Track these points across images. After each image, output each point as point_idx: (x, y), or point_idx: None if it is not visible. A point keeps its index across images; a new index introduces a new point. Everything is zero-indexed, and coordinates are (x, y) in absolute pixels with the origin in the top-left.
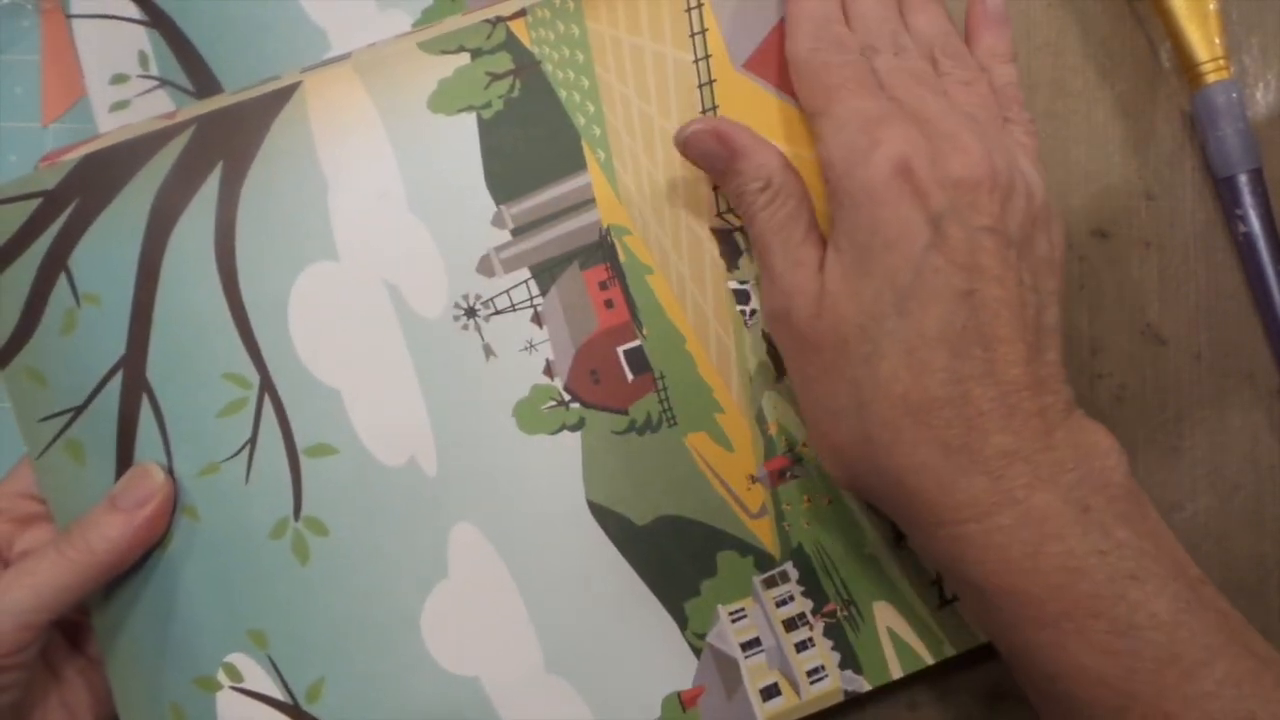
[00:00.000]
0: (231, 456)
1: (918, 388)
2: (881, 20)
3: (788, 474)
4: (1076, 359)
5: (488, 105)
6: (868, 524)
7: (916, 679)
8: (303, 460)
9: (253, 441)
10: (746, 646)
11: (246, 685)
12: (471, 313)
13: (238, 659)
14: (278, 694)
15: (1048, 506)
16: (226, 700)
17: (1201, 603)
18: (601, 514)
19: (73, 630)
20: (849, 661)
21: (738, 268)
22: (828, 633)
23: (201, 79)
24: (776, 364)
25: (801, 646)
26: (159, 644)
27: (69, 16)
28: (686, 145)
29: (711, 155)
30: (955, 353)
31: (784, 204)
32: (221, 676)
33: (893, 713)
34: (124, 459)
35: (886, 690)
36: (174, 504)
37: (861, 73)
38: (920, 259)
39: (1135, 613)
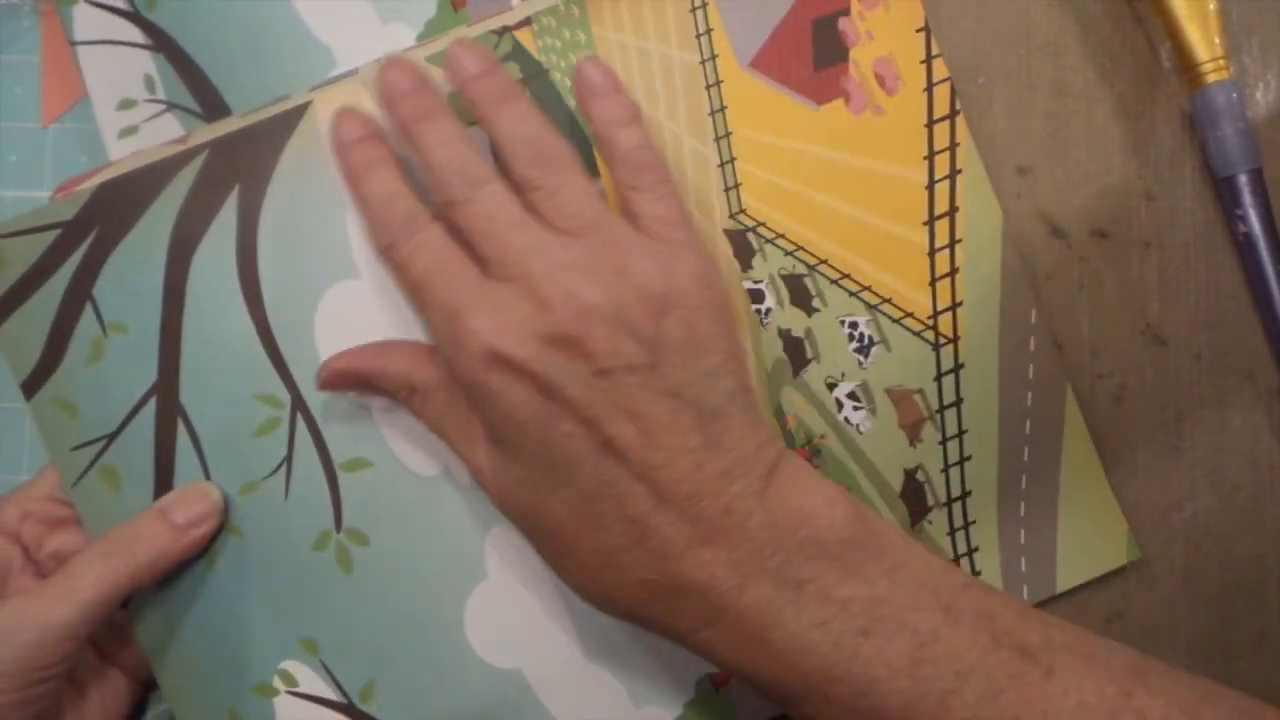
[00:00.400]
0: (270, 475)
1: (602, 544)
2: (449, 161)
3: None
4: (1077, 359)
5: None
6: (885, 509)
7: None
8: (340, 475)
9: (289, 459)
10: None
11: (302, 689)
12: None
13: (292, 665)
14: (333, 696)
15: (760, 599)
16: (284, 704)
17: (953, 620)
18: None
19: (102, 639)
20: None
21: (752, 268)
22: None
23: (208, 101)
24: (792, 360)
25: None
26: (213, 657)
27: (73, 44)
28: (327, 387)
29: (353, 387)
30: (620, 501)
31: (434, 397)
32: (278, 683)
33: None
34: (162, 483)
35: None
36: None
37: (440, 252)
38: (549, 432)
39: (870, 668)
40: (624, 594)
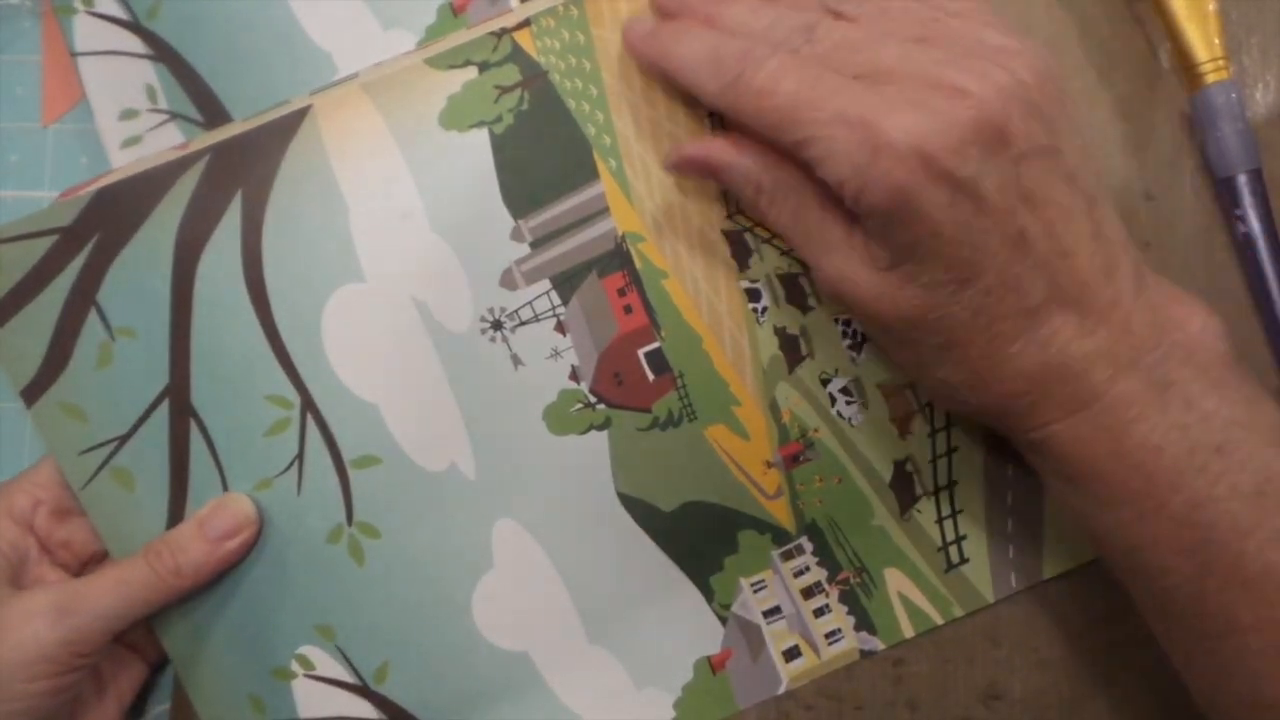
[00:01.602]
0: (282, 472)
1: (994, 337)
2: (781, 14)
3: (801, 458)
4: None
5: (498, 120)
6: (875, 499)
7: (917, 679)
8: (350, 471)
9: (300, 457)
10: (768, 614)
11: (319, 672)
12: (498, 325)
13: (309, 650)
14: (349, 678)
15: (1129, 393)
16: (302, 686)
17: None
18: (631, 503)
19: None
20: (864, 624)
21: (748, 267)
22: (843, 598)
23: (210, 110)
24: (787, 357)
25: (819, 612)
26: (231, 645)
27: (74, 55)
28: (675, 171)
29: (699, 175)
30: (1020, 293)
31: (785, 199)
32: (295, 666)
33: (892, 713)
34: (177, 482)
35: (886, 690)
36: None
37: (806, 68)
38: (968, 232)
39: (1215, 485)
40: (1004, 384)
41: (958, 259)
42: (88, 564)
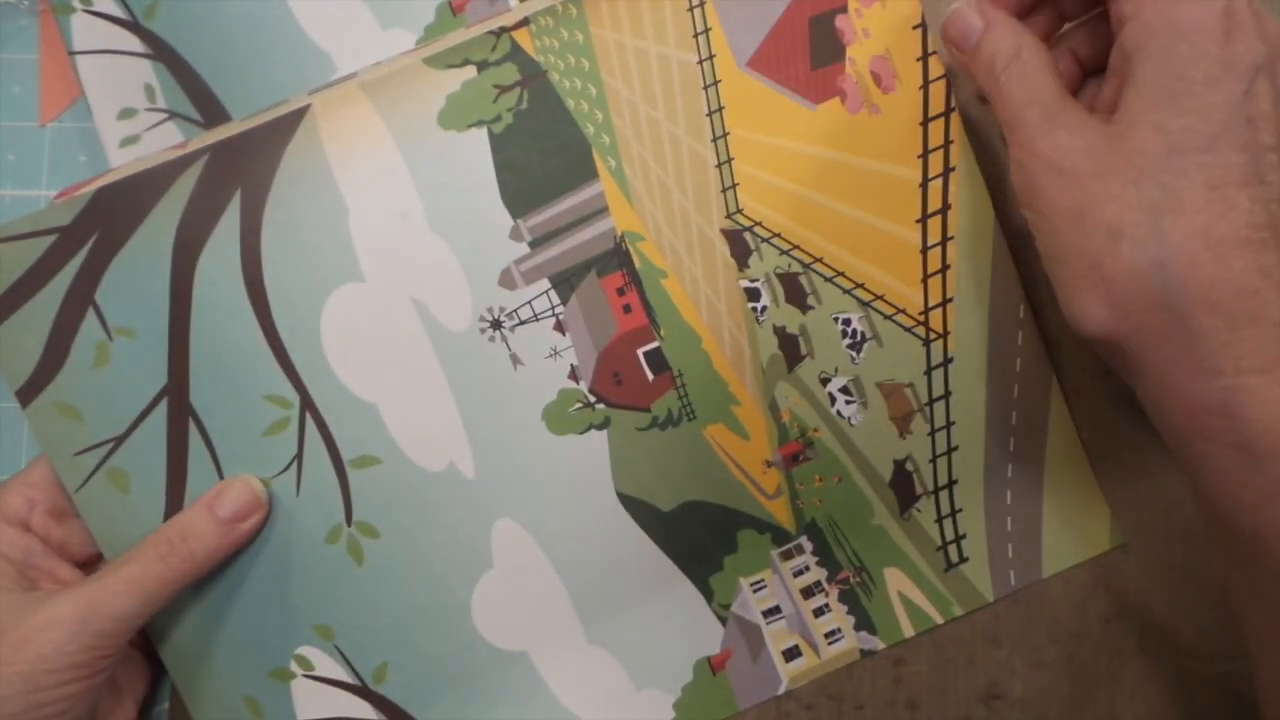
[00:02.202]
0: (281, 472)
1: (1222, 223)
2: None
3: (800, 457)
4: (1076, 359)
5: (497, 119)
6: (874, 498)
7: (917, 679)
8: (349, 471)
9: (299, 457)
10: (768, 614)
11: (318, 673)
12: (497, 324)
13: (308, 651)
14: (347, 678)
15: None
16: (300, 687)
17: None
18: (630, 503)
19: None
20: (863, 623)
21: (748, 267)
22: (842, 598)
23: (209, 109)
24: (787, 357)
25: (819, 611)
26: (228, 646)
27: (72, 54)
28: (949, 24)
29: (967, 30)
30: (1257, 200)
31: (1035, 64)
32: (294, 667)
33: (892, 713)
34: (175, 483)
35: (886, 690)
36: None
37: None
38: (1237, 105)
39: None
40: (1206, 288)
41: (1218, 118)
42: (87, 564)
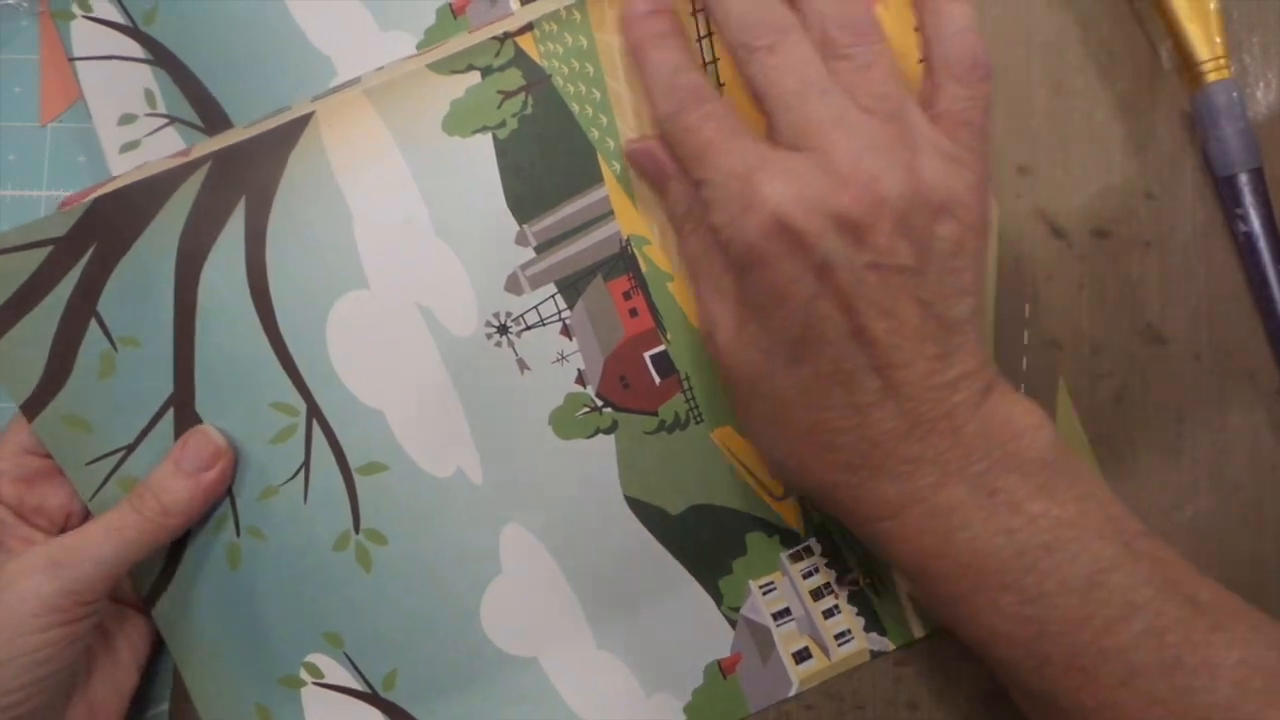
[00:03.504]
0: (288, 480)
1: (819, 423)
2: (751, 6)
3: None
4: (1077, 358)
5: (502, 125)
6: None
7: (917, 679)
8: (356, 478)
9: (306, 464)
10: (777, 616)
11: (328, 680)
12: (503, 330)
13: (317, 658)
14: (357, 685)
15: (954, 499)
16: (311, 694)
17: (1132, 557)
18: (638, 507)
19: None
20: (873, 625)
21: None
22: (852, 599)
23: (210, 114)
24: None
25: (828, 613)
26: (238, 653)
27: (72, 60)
28: (630, 158)
29: (648, 172)
30: (851, 387)
31: (701, 234)
32: (304, 674)
33: (892, 712)
34: None
35: (887, 690)
36: (235, 463)
37: (729, 120)
38: (808, 310)
39: (1045, 581)
40: (823, 473)
41: (794, 332)
42: (65, 528)
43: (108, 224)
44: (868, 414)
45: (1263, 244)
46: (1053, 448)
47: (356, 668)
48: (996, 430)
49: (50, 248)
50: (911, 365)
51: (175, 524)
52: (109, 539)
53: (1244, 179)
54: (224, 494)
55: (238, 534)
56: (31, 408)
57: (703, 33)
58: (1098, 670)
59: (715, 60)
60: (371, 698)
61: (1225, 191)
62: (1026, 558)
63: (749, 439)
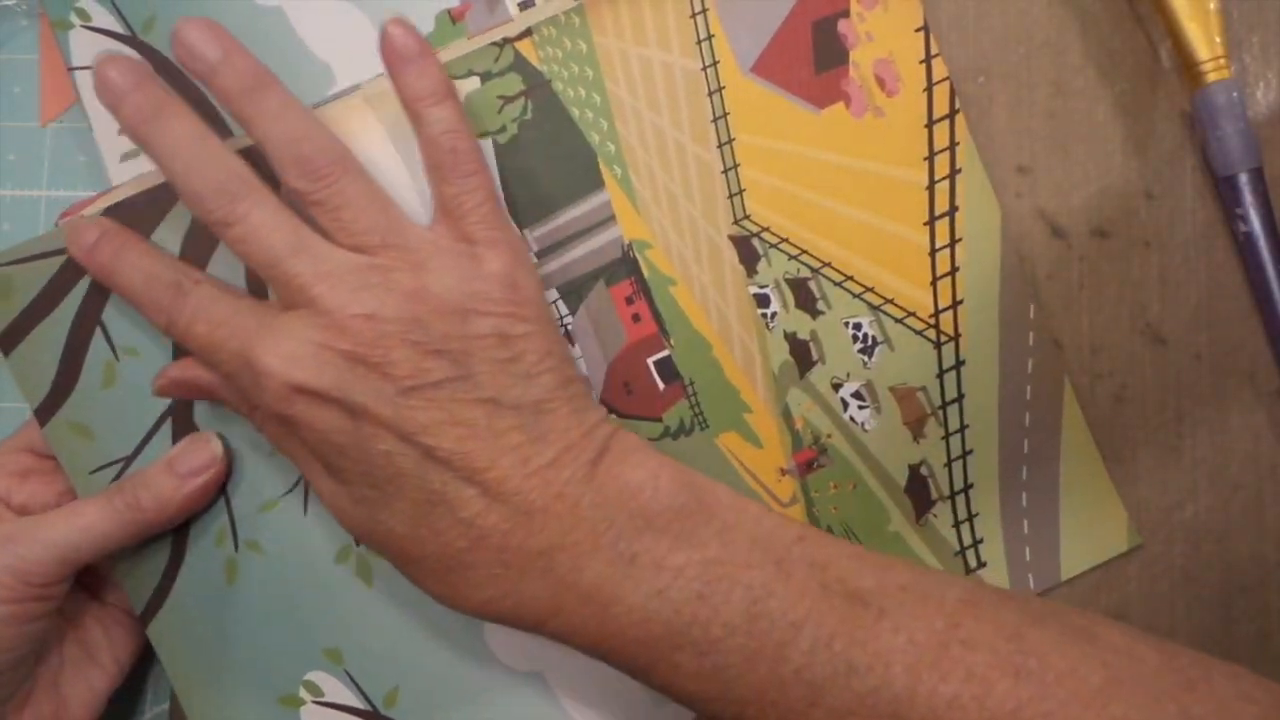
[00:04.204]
0: (288, 492)
1: (441, 551)
2: (199, 171)
3: (815, 464)
4: (1077, 359)
5: (502, 130)
6: (891, 505)
7: None
8: None
9: None
10: None
11: (328, 698)
12: None
13: (317, 676)
14: (358, 703)
15: (598, 577)
16: (310, 713)
17: (784, 574)
18: None
19: (91, 580)
20: None
21: (757, 273)
22: None
23: (209, 122)
24: (798, 362)
25: None
26: (236, 672)
27: (70, 69)
28: (162, 394)
29: (195, 397)
30: (451, 505)
31: (270, 423)
32: (303, 693)
33: None
34: None
35: None
36: (227, 477)
37: (215, 307)
38: (369, 452)
39: (709, 629)
40: (474, 592)
41: (371, 475)
42: None
43: None
44: (480, 523)
45: (1263, 244)
46: (679, 491)
47: (357, 685)
48: (615, 495)
49: (63, 257)
50: (499, 463)
51: (147, 519)
52: (65, 523)
53: (1244, 179)
54: (207, 503)
55: (235, 548)
56: (43, 414)
57: (702, 35)
58: (786, 699)
59: (716, 63)
60: (373, 716)
61: (1225, 191)
62: (684, 613)
63: (421, 588)
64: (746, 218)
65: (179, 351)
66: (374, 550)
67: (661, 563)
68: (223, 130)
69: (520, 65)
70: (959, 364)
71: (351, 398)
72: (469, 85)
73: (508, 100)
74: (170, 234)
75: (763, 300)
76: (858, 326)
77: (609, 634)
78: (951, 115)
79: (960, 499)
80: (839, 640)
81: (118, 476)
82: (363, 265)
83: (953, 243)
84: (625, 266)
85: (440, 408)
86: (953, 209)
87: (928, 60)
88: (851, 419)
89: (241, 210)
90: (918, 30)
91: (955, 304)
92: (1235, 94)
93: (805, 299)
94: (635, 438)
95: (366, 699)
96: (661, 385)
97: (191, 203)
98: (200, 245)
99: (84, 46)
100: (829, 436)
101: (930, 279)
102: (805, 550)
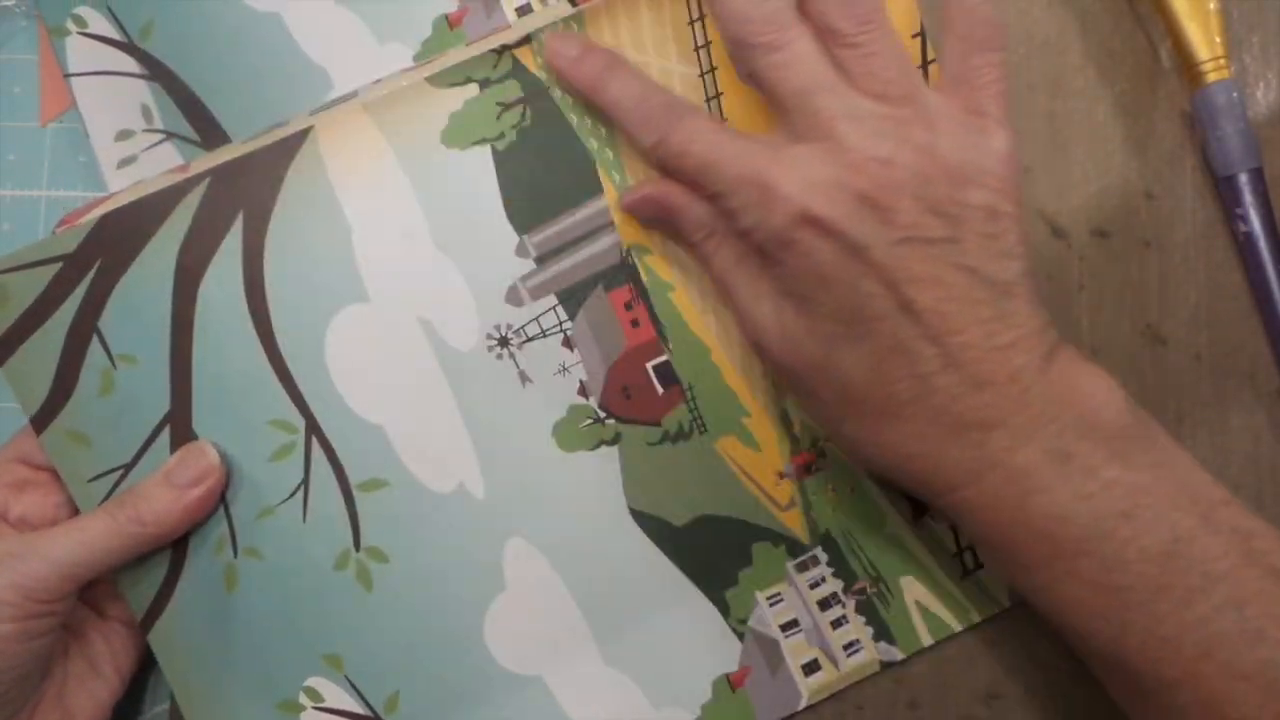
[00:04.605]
0: (287, 499)
1: (886, 398)
2: (755, 4)
3: (813, 467)
4: None
5: (501, 136)
6: (888, 506)
7: (917, 679)
8: (356, 495)
9: (305, 482)
10: (785, 627)
11: (328, 704)
12: (504, 342)
13: (317, 682)
14: (358, 709)
15: (1029, 463)
16: (311, 719)
17: (1210, 528)
18: (643, 519)
19: (91, 593)
20: (882, 634)
21: None
22: (860, 609)
23: (206, 129)
24: None
25: (836, 623)
26: (236, 677)
27: (67, 76)
28: (631, 212)
29: (653, 218)
30: (911, 358)
31: (730, 245)
32: (303, 699)
33: (892, 713)
34: None
35: (887, 690)
36: (225, 484)
37: (713, 132)
38: (853, 290)
39: (1124, 549)
40: (900, 445)
41: (845, 314)
42: None
43: (110, 241)
44: (931, 383)
45: (1263, 244)
46: (1126, 413)
47: (358, 690)
48: (1065, 395)
49: (59, 265)
50: (966, 330)
51: (150, 534)
52: (68, 539)
53: (1244, 179)
54: (208, 513)
55: (235, 555)
56: (40, 422)
57: (700, 42)
58: (1179, 641)
59: (714, 69)
60: None
61: (1225, 191)
62: (1104, 524)
63: (824, 430)
64: None
65: (177, 358)
66: (807, 386)
67: (1094, 471)
68: (221, 139)
69: (519, 72)
70: None
71: (854, 235)
72: (467, 92)
73: (506, 107)
74: (167, 241)
75: None
76: None
77: (1019, 520)
78: None
79: None
80: (1253, 607)
81: (117, 484)
82: (883, 114)
83: None
84: (624, 272)
85: (929, 264)
86: None
87: (924, 65)
88: None
89: (790, 37)
90: (915, 36)
91: None
92: (1235, 94)
93: None
94: (1079, 351)
95: (367, 704)
96: (660, 390)
97: (738, 26)
98: (197, 249)
99: (81, 54)
100: (826, 440)
101: None
102: (1231, 514)
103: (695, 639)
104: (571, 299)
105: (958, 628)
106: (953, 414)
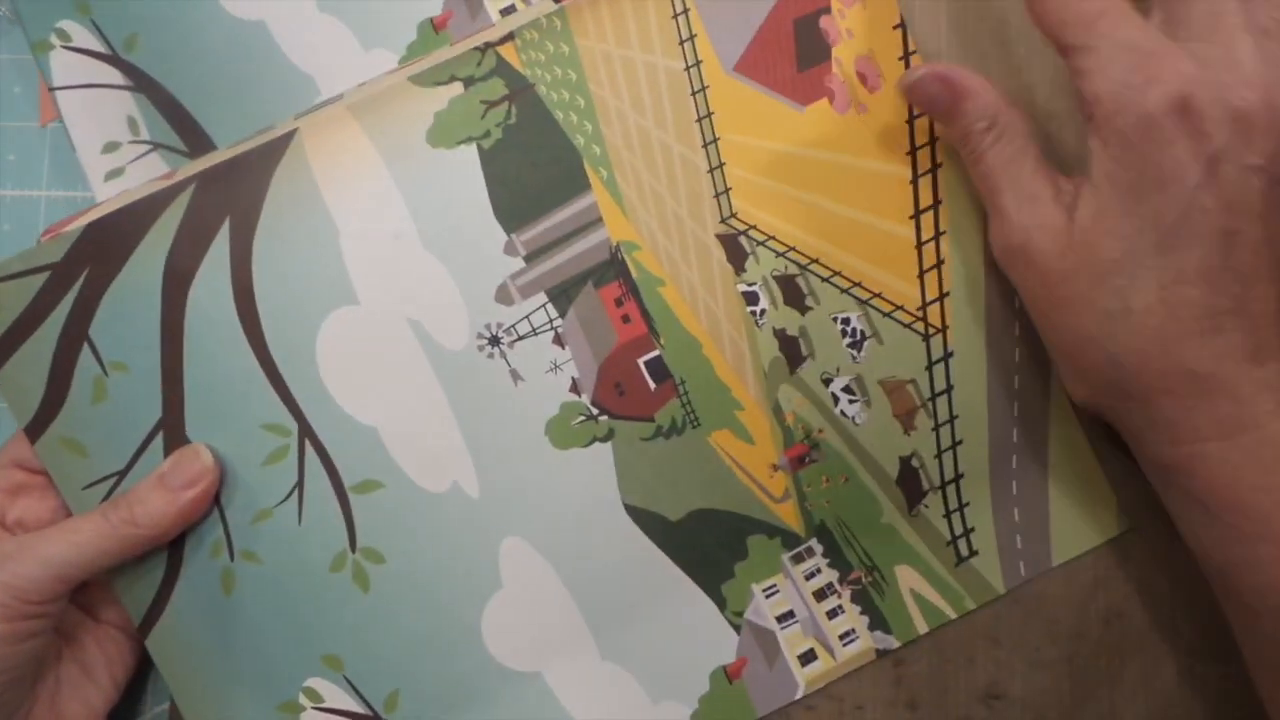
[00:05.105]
0: (281, 501)
1: (1172, 321)
2: None
3: (806, 459)
4: None
5: (486, 135)
6: (882, 497)
7: (917, 679)
8: (351, 497)
9: (300, 485)
10: (781, 619)
11: (328, 704)
12: (495, 341)
13: (316, 683)
14: (358, 709)
15: None
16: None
17: None
18: (637, 514)
19: (87, 599)
20: (878, 623)
21: (745, 270)
22: (855, 599)
23: (193, 138)
24: (788, 359)
25: (832, 614)
26: (234, 680)
27: (52, 90)
28: (911, 91)
29: (935, 98)
30: (1212, 289)
31: (1010, 141)
32: (303, 700)
33: (892, 713)
34: None
35: (886, 690)
36: (219, 486)
37: (1119, 3)
38: (1189, 200)
39: None
40: (1158, 380)
41: (1169, 219)
42: None
43: (98, 249)
44: (1221, 323)
45: None
46: None
47: (357, 690)
48: None
49: (48, 273)
50: (1271, 281)
51: (143, 536)
52: (61, 540)
53: None
54: (202, 515)
55: (231, 558)
56: (34, 431)
57: (685, 36)
58: None
59: (699, 63)
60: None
61: None
62: None
63: (1064, 343)
64: (733, 216)
65: (168, 364)
66: (1075, 290)
67: None
68: (208, 149)
69: (503, 69)
70: (947, 355)
71: (1219, 143)
72: (452, 91)
73: (491, 105)
74: (154, 247)
75: (751, 298)
76: (846, 321)
77: (1263, 486)
78: None
79: (951, 489)
80: None
81: (111, 491)
82: (1275, 49)
83: (937, 235)
84: (614, 268)
85: (1264, 197)
86: (937, 202)
87: (905, 57)
88: (842, 413)
89: None
90: (895, 27)
91: (942, 296)
92: None
93: (793, 295)
94: None
95: (367, 704)
96: (653, 385)
97: None
98: (185, 255)
99: (65, 67)
100: (820, 431)
101: (917, 272)
102: None
103: (692, 632)
104: (561, 296)
105: (953, 615)
106: (1228, 359)
